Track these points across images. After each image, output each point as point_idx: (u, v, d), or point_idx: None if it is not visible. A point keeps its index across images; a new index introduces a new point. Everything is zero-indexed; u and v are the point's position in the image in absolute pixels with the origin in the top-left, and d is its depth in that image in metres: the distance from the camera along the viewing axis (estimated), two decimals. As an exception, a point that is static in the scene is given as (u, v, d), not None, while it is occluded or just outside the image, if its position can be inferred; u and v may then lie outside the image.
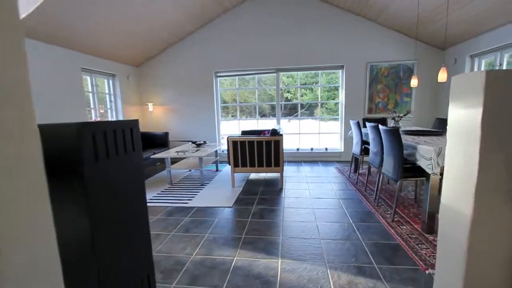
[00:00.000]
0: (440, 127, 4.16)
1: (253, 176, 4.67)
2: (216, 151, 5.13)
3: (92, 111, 5.11)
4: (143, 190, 1.50)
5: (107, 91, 5.51)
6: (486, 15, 3.69)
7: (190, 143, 4.94)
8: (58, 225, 0.64)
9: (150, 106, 6.01)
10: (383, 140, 2.89)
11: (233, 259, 2.10)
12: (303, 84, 6.43)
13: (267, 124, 6.37)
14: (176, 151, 4.21)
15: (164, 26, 4.98)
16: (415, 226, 2.56)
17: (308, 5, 5.40)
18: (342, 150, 5.81)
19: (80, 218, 1.05)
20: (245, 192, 3.80)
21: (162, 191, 3.93)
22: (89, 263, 1.07)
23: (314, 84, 6.39)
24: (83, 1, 3.43)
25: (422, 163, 2.41)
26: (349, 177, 4.44)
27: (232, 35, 5.70)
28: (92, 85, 5.07)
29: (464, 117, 1.15)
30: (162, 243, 2.38)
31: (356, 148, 4.13)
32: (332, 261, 2.03)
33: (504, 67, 3.99)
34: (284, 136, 5.97)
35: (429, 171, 2.28)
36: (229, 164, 4.00)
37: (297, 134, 6.13)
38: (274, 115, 6.12)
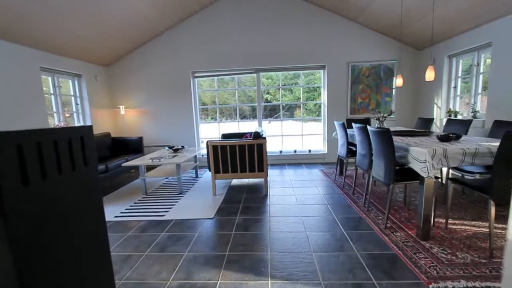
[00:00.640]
0: (423, 127, 4.13)
1: (235, 181, 4.41)
2: (196, 156, 4.82)
3: (55, 115, 4.60)
4: (100, 210, 1.20)
5: (72, 93, 5.01)
6: (464, 15, 3.71)
7: (166, 148, 4.58)
8: None
9: (122, 109, 5.57)
10: (372, 142, 2.75)
11: (217, 284, 1.83)
12: (283, 85, 6.27)
13: (248, 126, 6.13)
14: (151, 158, 3.85)
15: (134, 21, 4.60)
16: (409, 232, 2.43)
17: (288, 3, 5.24)
18: (326, 152, 5.70)
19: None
20: (227, 200, 3.53)
21: (135, 203, 3.56)
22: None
23: (294, 85, 6.26)
24: (38, -9, 3.02)
25: (415, 166, 2.28)
26: (335, 179, 4.30)
27: (210, 33, 5.42)
28: (54, 86, 4.57)
29: None
30: (132, 268, 2.05)
31: (341, 150, 4.00)
32: (328, 279, 1.82)
33: (482, 68, 4.04)
34: (266, 138, 5.78)
35: (424, 174, 2.14)
36: (209, 171, 3.71)
37: (280, 136, 5.95)
38: (254, 117, 5.90)
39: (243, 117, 8.15)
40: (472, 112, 4.07)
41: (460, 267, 1.88)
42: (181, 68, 5.57)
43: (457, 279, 1.76)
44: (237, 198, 3.61)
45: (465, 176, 2.83)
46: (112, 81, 5.69)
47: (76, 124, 5.06)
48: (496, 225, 2.43)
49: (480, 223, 2.54)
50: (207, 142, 3.60)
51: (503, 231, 2.34)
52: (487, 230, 2.38)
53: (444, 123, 4.60)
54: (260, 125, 5.79)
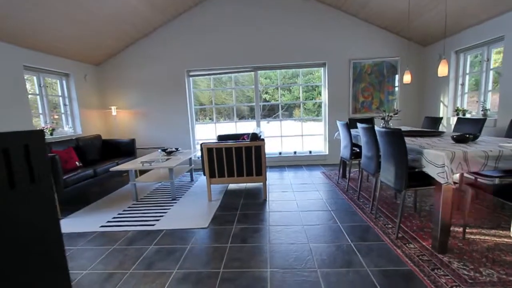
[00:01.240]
0: (430, 126, 3.91)
1: (232, 186, 4.17)
2: (191, 158, 4.57)
3: (41, 117, 4.35)
4: (56, 234, 0.95)
5: (60, 94, 4.76)
6: (473, 8, 3.48)
7: (159, 151, 4.33)
8: None
9: (114, 110, 5.31)
10: (381, 143, 2.51)
11: (208, 310, 1.59)
12: (282, 86, 6.04)
13: (246, 127, 5.89)
14: (142, 162, 3.60)
15: (126, 18, 4.34)
16: (424, 243, 2.20)
17: (286, -2, 5.01)
18: (327, 153, 5.47)
19: None
20: (223, 207, 3.29)
21: (124, 210, 3.31)
22: None
23: (292, 84, 6.04)
24: (14, -19, 2.77)
25: (430, 170, 2.04)
26: (337, 183, 4.07)
27: (205, 30, 5.17)
28: (40, 86, 4.31)
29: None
30: (113, 290, 1.81)
31: (345, 152, 3.76)
32: (336, 303, 1.59)
33: (492, 63, 3.82)
34: (265, 139, 5.54)
35: (441, 180, 1.91)
36: (204, 175, 3.47)
37: (279, 137, 5.71)
38: (253, 117, 5.66)
39: (242, 117, 7.91)
40: (482, 110, 3.84)
41: (487, 287, 1.65)
42: (176, 66, 5.32)
43: (485, 302, 1.53)
44: (234, 204, 3.37)
45: (480, 180, 2.60)
46: (103, 80, 5.44)
47: (65, 127, 4.81)
48: (519, 234, 2.20)
49: (501, 232, 2.31)
50: (201, 144, 3.36)
51: (528, 242, 2.12)
52: (510, 241, 2.15)
53: (451, 122, 4.38)
54: (258, 125, 5.56)
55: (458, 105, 4.41)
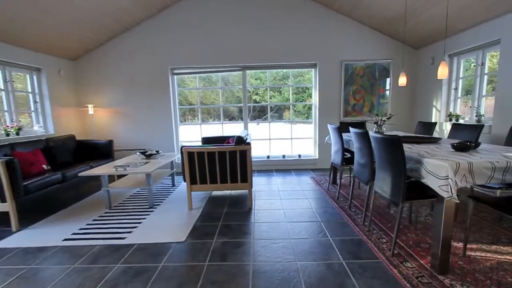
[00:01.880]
0: (423, 132, 3.76)
1: (216, 192, 3.89)
2: (172, 162, 4.27)
3: (6, 114, 3.96)
4: None
5: (30, 90, 4.36)
6: (468, 10, 3.35)
7: (137, 153, 4.01)
8: None
9: (91, 109, 4.94)
10: (376, 150, 2.31)
11: None
12: (272, 87, 5.82)
13: (233, 128, 5.62)
14: (115, 166, 3.28)
15: (106, 10, 4.01)
16: (421, 261, 2.00)
17: (277, -6, 4.79)
18: (317, 157, 5.27)
19: None
20: (205, 216, 3.02)
21: (94, 220, 2.98)
22: None
23: (283, 85, 5.83)
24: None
25: (431, 182, 1.84)
26: (328, 189, 3.86)
27: (191, 26, 4.89)
28: (5, 81, 3.92)
29: None
30: (62, 325, 1.51)
31: (336, 157, 3.56)
32: None
33: (486, 67, 3.71)
34: (253, 142, 5.28)
35: (444, 194, 1.71)
36: (184, 181, 3.19)
37: (267, 140, 5.47)
38: (242, 118, 5.40)
39: (231, 118, 7.67)
40: (476, 116, 3.72)
41: (496, 318, 1.45)
42: (159, 64, 5.01)
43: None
44: (216, 213, 3.10)
45: (477, 190, 2.44)
46: (80, 76, 5.06)
47: (35, 126, 4.42)
48: (523, 252, 2.03)
49: (502, 248, 2.14)
50: (182, 148, 3.08)
51: (533, 261, 1.94)
52: (514, 258, 1.98)
53: (444, 128, 4.26)
54: (246, 127, 5.30)
55: (451, 110, 4.29)
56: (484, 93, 3.74)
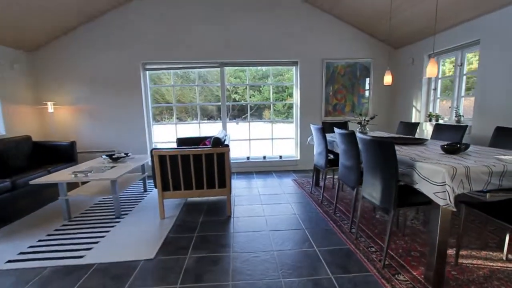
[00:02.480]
0: (406, 132, 3.70)
1: (192, 197, 3.60)
2: (144, 165, 3.91)
3: None
4: None
5: (-25, 84, 3.80)
6: (448, 10, 3.32)
7: (103, 156, 3.62)
8: None
9: (50, 106, 4.43)
10: (364, 153, 2.15)
11: None
12: (252, 86, 5.59)
13: (211, 128, 5.32)
14: (74, 172, 2.89)
15: (62, -6, 3.57)
16: (414, 273, 1.85)
17: (256, -12, 4.56)
18: (299, 158, 5.11)
19: None
20: (178, 226, 2.72)
21: (48, 235, 2.59)
22: None
23: (262, 83, 5.62)
24: None
25: (425, 188, 1.70)
26: (311, 192, 3.70)
27: (165, 18, 4.53)
28: None
29: None
30: None
31: (319, 159, 3.40)
32: None
33: (465, 68, 3.72)
34: (232, 143, 5.02)
35: (440, 202, 1.57)
36: (156, 187, 2.87)
37: (247, 141, 5.24)
38: (220, 118, 5.12)
39: (210, 117, 7.33)
40: (456, 116, 3.72)
41: None
42: (129, 58, 4.59)
43: None
44: (191, 222, 2.81)
45: (465, 194, 2.37)
46: (38, 70, 4.52)
47: (-18, 125, 3.86)
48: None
49: (492, 253, 2.06)
50: (152, 151, 2.76)
51: (525, 267, 1.87)
52: (505, 266, 1.90)
53: (424, 128, 4.25)
54: (224, 127, 5.03)
55: (431, 110, 4.30)
56: (463, 93, 3.75)
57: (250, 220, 2.84)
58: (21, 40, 4.08)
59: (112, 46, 4.54)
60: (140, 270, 1.98)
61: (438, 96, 4.22)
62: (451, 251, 2.07)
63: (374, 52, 4.89)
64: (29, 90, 4.44)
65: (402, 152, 2.14)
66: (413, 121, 4.53)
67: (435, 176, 1.61)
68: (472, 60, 3.67)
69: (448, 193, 1.53)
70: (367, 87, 4.99)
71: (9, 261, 2.15)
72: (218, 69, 4.86)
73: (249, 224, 2.73)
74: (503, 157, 1.84)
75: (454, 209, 1.56)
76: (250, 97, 5.28)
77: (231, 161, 4.93)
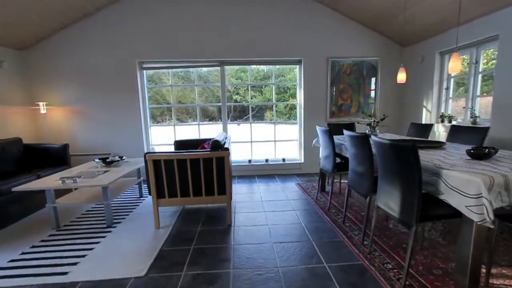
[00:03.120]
0: (417, 134, 3.47)
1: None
2: (139, 169, 3.69)
3: None
4: None
5: (-38, 84, 3.61)
6: (462, 4, 3.09)
7: (96, 160, 3.41)
8: None
9: (43, 107, 4.23)
10: (380, 158, 1.92)
11: None
12: (253, 86, 5.37)
13: (212, 129, 5.11)
14: (62, 178, 2.67)
15: (53, -11, 3.37)
16: (440, 296, 1.63)
17: (258, -17, 4.36)
18: (303, 161, 4.89)
19: None
20: (174, 237, 2.50)
21: (33, 247, 2.38)
22: None
23: (265, 82, 5.40)
24: None
25: (454, 200, 1.48)
26: (316, 198, 3.47)
27: (163, 16, 4.33)
28: None
29: None
30: None
31: (326, 163, 3.17)
32: None
33: (480, 66, 3.49)
34: (233, 145, 4.81)
35: (474, 217, 1.34)
36: (150, 194, 2.65)
37: (249, 143, 5.02)
38: (221, 119, 4.90)
39: (212, 118, 7.13)
40: (471, 117, 3.49)
41: None
42: (125, 56, 4.39)
43: None
44: (189, 232, 2.59)
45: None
46: (30, 70, 4.33)
47: (-31, 127, 3.66)
48: (551, 277, 1.72)
49: (525, 272, 1.83)
50: (145, 155, 2.54)
51: None
52: (544, 287, 1.67)
53: (436, 130, 4.02)
54: (225, 129, 4.82)
55: (443, 110, 4.06)
56: (478, 92, 3.52)
57: (252, 230, 2.62)
58: (9, 37, 3.88)
59: (107, 44, 4.34)
60: (128, 290, 1.77)
61: (450, 96, 3.99)
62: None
63: (381, 50, 4.66)
64: (20, 90, 4.24)
65: (422, 157, 1.92)
66: (423, 122, 4.30)
67: (468, 187, 1.39)
68: (489, 55, 3.44)
69: (485, 207, 1.30)
70: (373, 86, 4.76)
71: (-15, 279, 1.93)
72: (218, 68, 4.65)
73: (251, 235, 2.51)
74: (541, 163, 1.62)
75: (492, 226, 1.33)
76: (251, 98, 5.06)
77: (232, 164, 4.72)
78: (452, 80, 3.97)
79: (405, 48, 4.72)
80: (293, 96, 4.97)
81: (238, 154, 5.06)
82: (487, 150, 1.81)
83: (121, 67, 4.41)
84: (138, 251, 2.26)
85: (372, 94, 4.79)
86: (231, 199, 2.76)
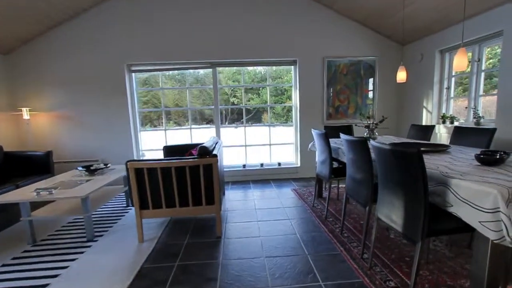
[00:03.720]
0: (419, 136, 3.30)
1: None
2: (126, 177, 3.49)
3: None
4: None
5: None
6: (461, 1, 2.93)
7: (78, 168, 3.21)
8: None
9: (26, 113, 4.04)
10: (380, 165, 1.74)
11: None
12: (249, 88, 5.21)
13: (206, 133, 4.91)
14: (37, 190, 2.48)
15: (32, -12, 3.20)
16: (450, 321, 1.44)
17: (250, -19, 4.20)
18: (299, 165, 4.70)
19: None
20: (158, 252, 2.31)
21: (4, 265, 2.17)
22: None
23: (260, 84, 5.23)
24: None
25: (466, 214, 1.30)
26: (313, 205, 3.28)
27: (152, 15, 4.16)
28: None
29: None
30: None
31: (322, 169, 2.99)
32: None
33: (483, 64, 3.32)
34: (227, 150, 4.63)
35: (490, 235, 1.16)
36: (132, 205, 2.46)
37: (243, 147, 4.83)
38: (221, 122, 4.71)
39: (209, 121, 6.98)
40: (474, 117, 3.32)
41: None
42: (113, 59, 4.21)
43: None
44: (174, 246, 2.40)
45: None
46: (12, 74, 4.14)
47: None
48: None
49: (543, 290, 1.64)
50: (127, 163, 2.35)
51: None
52: None
53: (437, 131, 3.85)
54: (218, 133, 4.63)
55: (444, 111, 3.90)
56: (481, 92, 3.35)
57: (243, 242, 2.43)
58: (-9, 40, 3.70)
59: (94, 46, 4.16)
60: (99, 318, 1.57)
61: (452, 95, 3.83)
62: (491, 287, 1.66)
63: (379, 49, 4.51)
64: (2, 95, 4.04)
65: (427, 163, 1.74)
66: (424, 123, 4.13)
67: (482, 199, 1.21)
68: (488, 54, 3.28)
69: (504, 224, 1.12)
70: (371, 87, 4.60)
71: None
72: (210, 70, 4.47)
73: (242, 248, 2.32)
74: (561, 170, 1.44)
75: (511, 245, 1.15)
76: (248, 101, 4.88)
77: (225, 170, 4.54)
78: (453, 79, 3.80)
79: (404, 46, 4.56)
80: (291, 97, 4.79)
81: (232, 159, 4.87)
82: (498, 154, 1.63)
83: (109, 70, 4.23)
84: (117, 269, 2.06)
85: (370, 94, 4.63)
86: (220, 209, 2.57)
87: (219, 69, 4.51)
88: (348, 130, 3.86)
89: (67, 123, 4.28)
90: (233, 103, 6.60)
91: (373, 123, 2.97)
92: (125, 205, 3.55)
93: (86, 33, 4.13)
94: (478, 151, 2.01)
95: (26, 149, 4.05)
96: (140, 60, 4.27)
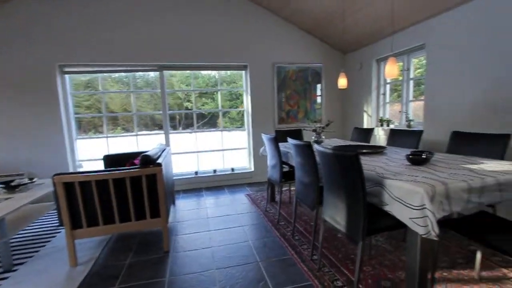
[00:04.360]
0: (360, 139, 3.54)
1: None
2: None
3: None
4: None
5: None
6: (396, 14, 3.26)
7: (-6, 185, 2.73)
8: None
9: None
10: (324, 167, 1.79)
11: None
12: (203, 92, 5.07)
13: (155, 140, 4.61)
14: None
15: None
16: (390, 314, 1.52)
17: (198, -17, 4.10)
18: (253, 169, 4.70)
19: None
20: (94, 276, 2.05)
21: None
22: None
23: (210, 89, 5.13)
24: None
25: (398, 212, 1.39)
26: (266, 210, 3.28)
27: (91, 10, 3.78)
28: None
29: None
30: None
31: (273, 173, 3.00)
32: None
33: (412, 73, 3.72)
34: (178, 157, 4.41)
35: (419, 230, 1.25)
36: (62, 225, 2.16)
37: (195, 153, 4.66)
38: (174, 127, 4.47)
39: (161, 127, 6.63)
40: (406, 121, 3.69)
41: None
42: (41, 58, 3.72)
43: None
44: (115, 267, 2.16)
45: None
46: None
47: None
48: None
49: (463, 272, 1.85)
50: (53, 176, 2.05)
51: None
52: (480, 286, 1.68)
53: (376, 133, 4.18)
54: (167, 139, 4.39)
55: (381, 115, 4.26)
56: (411, 97, 3.74)
57: (193, 255, 2.30)
58: None
59: (18, 45, 3.62)
60: None
61: (387, 100, 4.21)
62: (423, 277, 1.81)
63: (324, 57, 4.77)
64: None
65: (365, 165, 1.84)
66: (365, 126, 4.47)
67: (411, 198, 1.30)
68: (417, 64, 3.69)
69: (429, 219, 1.22)
70: (319, 92, 4.84)
71: None
72: (157, 73, 4.23)
73: (191, 262, 2.18)
74: (471, 166, 1.64)
75: (436, 238, 1.25)
76: (203, 105, 4.73)
77: (177, 178, 4.31)
78: (388, 86, 4.19)
79: (345, 55, 4.89)
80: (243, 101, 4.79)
81: (183, 166, 4.66)
82: (424, 154, 1.80)
83: (36, 71, 3.72)
84: (41, 302, 1.77)
85: (319, 99, 4.85)
86: (167, 221, 2.40)
87: (172, 72, 4.31)
88: (297, 134, 3.97)
89: (-19, 132, 3.63)
90: (186, 108, 6.36)
91: (319, 127, 3.09)
92: (57, 224, 3.12)
93: (9, 30, 3.58)
94: (409, 151, 2.21)
95: None
96: (75, 61, 3.84)
